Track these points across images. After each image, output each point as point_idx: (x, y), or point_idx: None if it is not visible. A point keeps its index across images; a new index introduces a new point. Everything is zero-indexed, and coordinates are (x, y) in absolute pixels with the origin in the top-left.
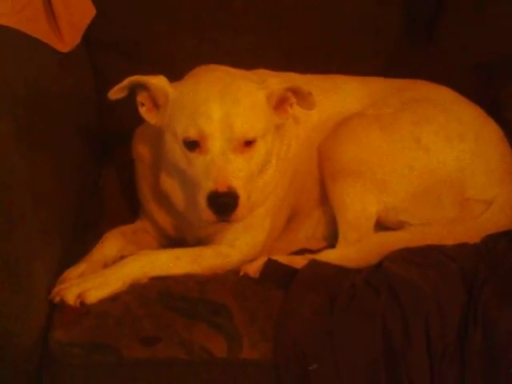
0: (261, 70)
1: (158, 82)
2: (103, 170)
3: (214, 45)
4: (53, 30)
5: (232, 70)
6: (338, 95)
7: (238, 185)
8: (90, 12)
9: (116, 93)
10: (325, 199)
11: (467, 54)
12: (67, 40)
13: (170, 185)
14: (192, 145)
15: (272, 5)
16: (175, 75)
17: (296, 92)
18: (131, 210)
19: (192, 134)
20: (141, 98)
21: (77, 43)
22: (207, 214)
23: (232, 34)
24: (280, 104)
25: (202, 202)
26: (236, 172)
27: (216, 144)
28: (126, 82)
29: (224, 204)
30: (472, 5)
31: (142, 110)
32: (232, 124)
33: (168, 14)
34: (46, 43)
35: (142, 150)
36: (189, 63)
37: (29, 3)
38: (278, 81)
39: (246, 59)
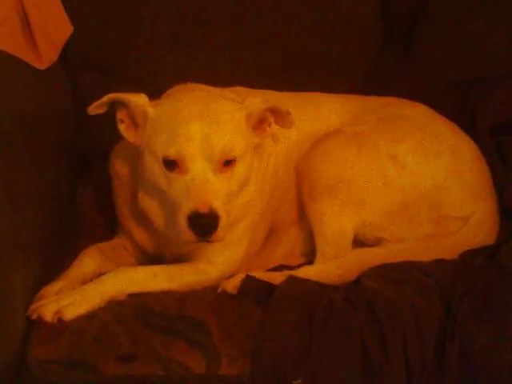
0: (238, 88)
1: (138, 100)
2: (80, 187)
3: (192, 61)
4: (30, 47)
5: (211, 89)
6: (316, 113)
7: (219, 205)
8: (68, 29)
9: (95, 109)
10: (303, 216)
11: (443, 70)
12: (45, 57)
13: (148, 203)
14: (172, 164)
15: (249, 22)
16: (153, 91)
17: (275, 111)
18: (109, 226)
19: (172, 153)
20: (120, 115)
21: (54, 60)
22: (188, 235)
23: (210, 50)
24: (259, 123)
25: (183, 222)
26: (216, 192)
27: (196, 164)
28: (106, 98)
29: (205, 225)
30: (448, 22)
31: (121, 128)
32: (212, 144)
33: (145, 30)
34: (23, 60)
35: (119, 168)
36: (167, 79)
37: (6, 20)
38: (257, 100)
39: (223, 75)
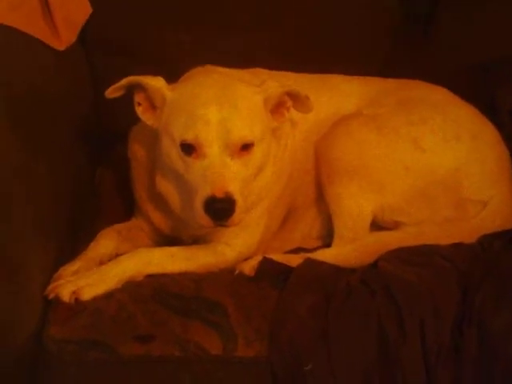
0: (257, 69)
1: (156, 83)
2: (99, 168)
3: (209, 43)
4: (49, 28)
5: (229, 72)
6: (335, 95)
7: (235, 190)
8: (87, 10)
9: (113, 92)
10: (321, 199)
11: (464, 53)
12: (64, 38)
13: (165, 186)
14: (189, 149)
15: (266, 3)
16: (171, 73)
17: (293, 96)
18: (126, 207)
19: (189, 137)
20: (138, 98)
21: (73, 41)
22: (204, 219)
23: (227, 33)
24: (277, 107)
25: (199, 207)
26: (233, 177)
27: (213, 149)
28: (124, 81)
29: (221, 210)
30: (469, 3)
31: (139, 110)
32: (230, 129)
33: (164, 12)
34: (42, 41)
35: (137, 150)
36: (185, 61)
37: (24, 1)
38: (275, 84)
39: (241, 58)
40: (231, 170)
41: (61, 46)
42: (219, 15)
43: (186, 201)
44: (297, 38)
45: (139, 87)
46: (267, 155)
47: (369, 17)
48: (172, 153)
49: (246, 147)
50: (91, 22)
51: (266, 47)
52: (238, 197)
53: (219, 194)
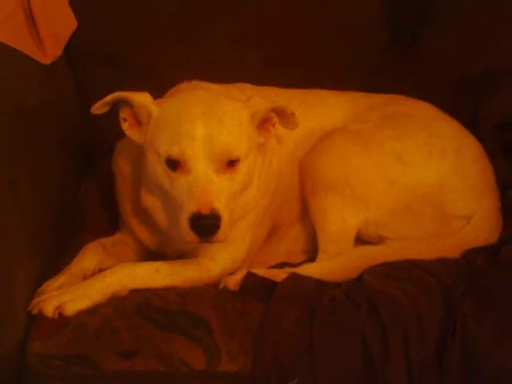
0: (242, 85)
1: (141, 99)
2: (84, 182)
3: (198, 55)
4: (34, 42)
5: (215, 87)
6: (321, 110)
7: (221, 206)
8: (72, 24)
9: (99, 108)
10: (305, 213)
11: (448, 68)
12: (49, 52)
13: (150, 201)
14: (174, 164)
15: (255, 17)
16: (158, 86)
17: (279, 112)
18: (111, 221)
19: (175, 153)
20: (123, 113)
21: (59, 55)
22: (189, 236)
23: (215, 45)
24: (263, 123)
25: (185, 223)
26: (218, 193)
27: (199, 165)
28: (110, 97)
29: (207, 226)
30: (454, 19)
31: (125, 126)
32: (216, 144)
33: (150, 25)
34: (27, 55)
35: (122, 165)
36: (172, 74)
37: (10, 15)
38: (262, 100)
39: (229, 70)
40: (217, 186)
41: (46, 60)
42: (209, 28)
43: (171, 216)
44: (286, 51)
45: (125, 103)
46: (253, 171)
47: (356, 32)
48: (157, 168)
49: (232, 163)
50: (76, 35)
51: (256, 60)
52: (223, 213)
53: (205, 211)
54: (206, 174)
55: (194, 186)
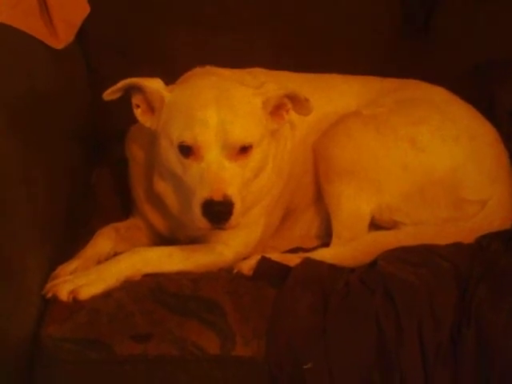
0: (255, 69)
1: (154, 85)
2: (96, 168)
3: (209, 42)
4: (47, 27)
5: (228, 73)
6: (334, 95)
7: (233, 192)
8: (85, 9)
9: (111, 94)
10: (319, 198)
11: (463, 54)
12: (61, 37)
13: (163, 187)
14: (187, 151)
15: (266, 2)
16: (170, 73)
17: (293, 98)
18: (124, 207)
19: (187, 139)
20: (136, 100)
21: (71, 40)
22: (202, 222)
23: (226, 31)
24: (276, 109)
25: (197, 210)
26: (231, 179)
27: (211, 151)
28: (122, 84)
29: (219, 213)
30: (469, 4)
31: (137, 112)
32: (228, 131)
33: (162, 11)
34: (39, 40)
35: (135, 150)
36: (184, 61)
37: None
38: (275, 86)
39: (241, 56)
40: (229, 173)
41: (58, 45)
42: (218, 14)
43: (183, 202)
44: (297, 37)
45: (137, 89)
46: (266, 157)
47: (369, 16)
48: (170, 154)
49: (245, 150)
50: (89, 20)
51: (266, 46)
52: (236, 199)
53: (217, 197)
54: (218, 161)
55: (206, 173)
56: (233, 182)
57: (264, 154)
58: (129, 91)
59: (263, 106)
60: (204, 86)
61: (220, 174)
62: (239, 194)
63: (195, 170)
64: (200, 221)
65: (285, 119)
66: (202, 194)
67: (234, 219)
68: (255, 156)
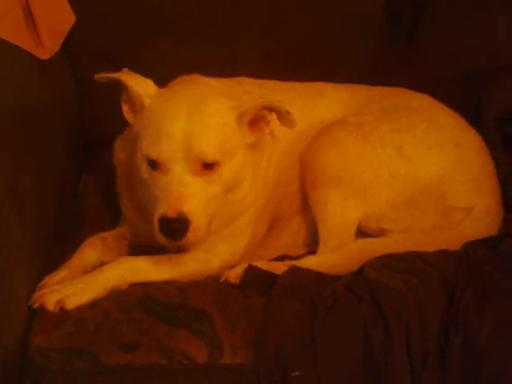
0: (242, 78)
1: (139, 88)
2: (83, 176)
3: (195, 52)
4: (32, 37)
5: (213, 82)
6: (321, 103)
7: (191, 209)
8: (70, 19)
9: (101, 78)
10: (306, 206)
11: (448, 62)
12: (47, 47)
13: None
14: (154, 164)
15: (252, 13)
16: (157, 83)
17: (273, 110)
18: (111, 216)
19: (153, 154)
20: (124, 96)
21: (57, 50)
22: (159, 237)
23: (212, 41)
24: (256, 121)
25: (155, 224)
26: (190, 196)
27: (175, 167)
28: (111, 76)
29: (173, 229)
30: (454, 12)
31: (124, 109)
32: (192, 146)
33: (150, 22)
34: (25, 50)
35: (121, 159)
36: (169, 70)
37: (9, 10)
38: (253, 98)
39: (229, 66)
40: (190, 189)
41: (44, 55)
42: (207, 25)
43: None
44: (284, 47)
45: (124, 87)
46: (242, 171)
47: (355, 26)
48: (142, 165)
49: (211, 165)
50: (75, 30)
51: (254, 56)
52: (193, 216)
53: (171, 214)
54: (180, 176)
55: (167, 187)
56: (193, 199)
57: (237, 169)
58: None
59: (239, 119)
60: (179, 97)
61: (179, 190)
62: (202, 211)
63: (161, 183)
64: (157, 235)
65: (265, 132)
66: (159, 210)
67: (190, 236)
68: (224, 172)
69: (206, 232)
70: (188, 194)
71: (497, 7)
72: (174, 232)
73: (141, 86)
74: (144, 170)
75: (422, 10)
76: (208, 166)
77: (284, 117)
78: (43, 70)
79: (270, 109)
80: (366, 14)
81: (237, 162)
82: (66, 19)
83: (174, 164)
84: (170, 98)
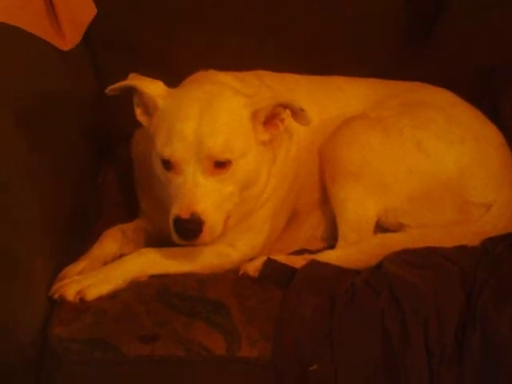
0: (260, 72)
1: (151, 90)
2: (103, 168)
3: (216, 43)
4: (54, 28)
5: (230, 78)
6: (340, 97)
7: (205, 209)
8: (92, 11)
9: (113, 91)
10: (325, 200)
11: (468, 56)
12: (68, 38)
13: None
14: (168, 164)
15: (273, 6)
16: (175, 75)
17: (287, 107)
18: (130, 208)
19: (167, 154)
20: (136, 99)
21: (78, 42)
22: (175, 237)
23: (233, 33)
24: (271, 119)
25: (171, 224)
26: (204, 196)
27: (188, 167)
28: (122, 84)
29: (186, 230)
30: (475, 6)
31: (137, 111)
32: (204, 146)
33: (169, 12)
34: (47, 41)
35: (139, 152)
36: (191, 62)
37: (30, 1)
38: (268, 96)
39: (246, 58)
40: (203, 190)
41: (66, 47)
42: (226, 16)
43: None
44: (304, 40)
45: (136, 91)
46: (255, 168)
47: (374, 20)
48: (157, 164)
49: (223, 164)
50: (96, 21)
51: (271, 49)
52: (207, 216)
53: (184, 215)
54: (193, 177)
55: (180, 189)
56: (206, 199)
57: (251, 166)
58: (130, 90)
59: (253, 118)
60: (192, 96)
61: (192, 191)
62: (216, 210)
63: (175, 184)
64: (173, 235)
65: (279, 129)
66: (173, 211)
67: (205, 236)
68: (237, 170)
69: (224, 229)
70: (201, 194)
71: None
72: (189, 233)
73: (152, 88)
74: (159, 169)
75: (440, 6)
76: (220, 165)
77: (298, 114)
78: (63, 60)
79: (285, 106)
80: (385, 9)
81: (250, 160)
82: (87, 11)
83: (186, 164)
84: (183, 97)
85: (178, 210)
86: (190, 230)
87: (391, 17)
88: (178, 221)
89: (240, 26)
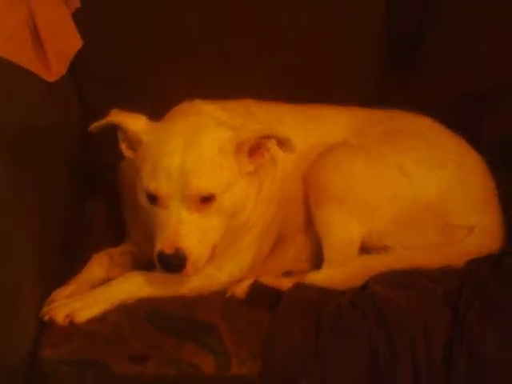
0: (246, 100)
1: (134, 126)
2: (91, 194)
3: (202, 75)
4: (39, 59)
5: (211, 111)
6: (323, 125)
7: (188, 245)
8: (77, 42)
9: (96, 128)
10: (310, 224)
11: (450, 83)
12: (54, 69)
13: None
14: (153, 198)
15: (259, 37)
16: (163, 106)
17: (273, 138)
18: (117, 232)
19: (152, 189)
20: (120, 135)
21: (63, 73)
22: (160, 270)
23: (219, 65)
24: (257, 149)
25: (155, 257)
26: (188, 233)
27: (172, 202)
28: (105, 121)
29: (170, 265)
30: (455, 34)
31: (122, 146)
32: (188, 183)
33: (155, 45)
34: (32, 72)
35: (127, 179)
36: (177, 94)
37: (16, 32)
38: (253, 128)
39: (233, 89)
40: (187, 226)
41: (51, 78)
42: (214, 48)
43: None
44: (289, 71)
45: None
46: (241, 199)
47: (354, 50)
48: (142, 197)
49: (209, 199)
50: (82, 53)
51: (259, 79)
52: (191, 251)
53: (168, 251)
54: (177, 213)
55: (165, 223)
56: (190, 235)
57: (237, 197)
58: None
59: (237, 150)
60: (176, 130)
61: (177, 227)
62: (199, 244)
63: (160, 218)
64: (158, 267)
65: (265, 158)
66: (157, 245)
67: (188, 270)
68: (224, 202)
69: (210, 257)
70: (185, 230)
71: (496, 30)
72: (172, 267)
73: (134, 123)
74: (144, 201)
75: (421, 34)
76: (206, 200)
77: (284, 144)
78: (50, 91)
79: (270, 137)
80: (367, 38)
81: (236, 192)
82: (73, 42)
83: (171, 200)
84: (166, 131)
85: (161, 245)
86: (174, 264)
87: (371, 46)
88: (161, 255)
89: (228, 57)
